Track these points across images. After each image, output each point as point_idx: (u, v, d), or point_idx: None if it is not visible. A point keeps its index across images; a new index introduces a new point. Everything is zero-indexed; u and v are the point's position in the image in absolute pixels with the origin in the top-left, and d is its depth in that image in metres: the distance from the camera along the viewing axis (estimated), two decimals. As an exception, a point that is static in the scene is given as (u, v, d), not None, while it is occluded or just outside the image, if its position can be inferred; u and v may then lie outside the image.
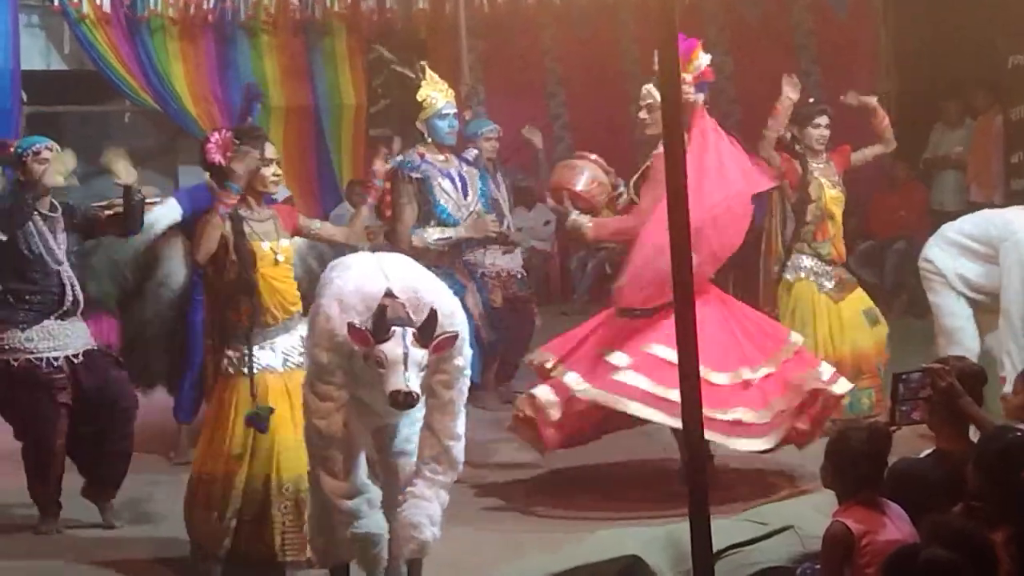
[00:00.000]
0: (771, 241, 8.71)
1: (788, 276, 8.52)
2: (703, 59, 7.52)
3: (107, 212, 7.30)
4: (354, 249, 6.53)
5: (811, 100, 8.74)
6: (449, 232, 8.29)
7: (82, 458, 7.09)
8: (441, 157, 8.51)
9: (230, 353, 6.17)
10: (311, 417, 5.39)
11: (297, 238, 6.47)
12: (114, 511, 7.12)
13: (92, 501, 7.14)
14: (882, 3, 14.33)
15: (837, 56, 14.17)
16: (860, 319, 8.49)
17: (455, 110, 8.52)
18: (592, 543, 5.34)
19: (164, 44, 13.49)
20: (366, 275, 5.50)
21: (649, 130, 7.39)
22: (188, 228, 6.36)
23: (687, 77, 7.36)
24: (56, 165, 6.90)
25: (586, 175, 7.48)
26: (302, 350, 6.08)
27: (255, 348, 6.11)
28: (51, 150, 6.94)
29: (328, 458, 5.38)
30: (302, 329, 6.08)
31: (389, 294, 5.31)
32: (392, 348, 5.18)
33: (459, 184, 8.51)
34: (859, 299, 8.59)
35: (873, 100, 8.85)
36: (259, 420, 6.03)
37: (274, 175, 6.33)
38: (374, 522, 5.51)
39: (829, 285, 8.47)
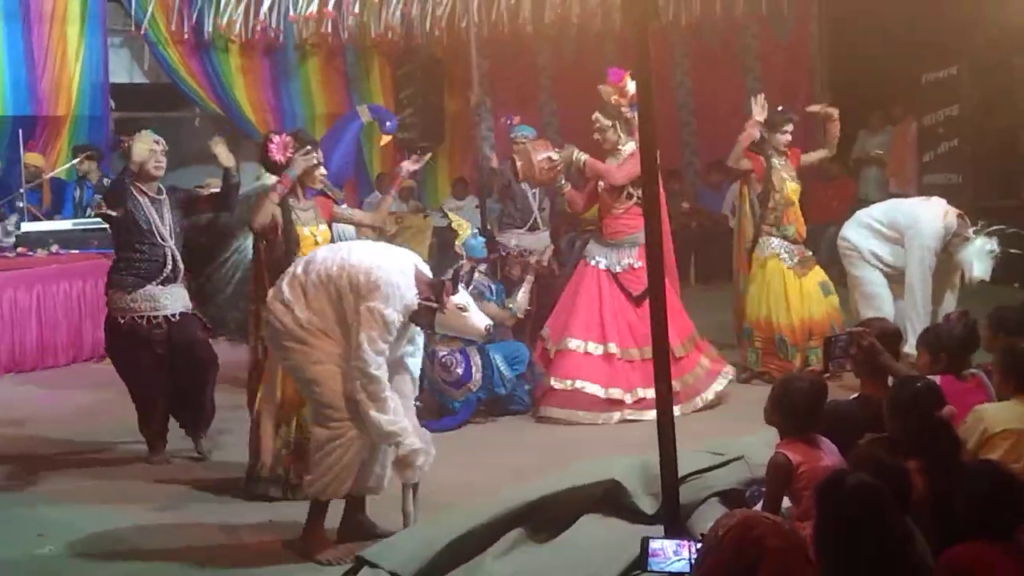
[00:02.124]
0: (743, 224, 8.69)
1: (760, 254, 8.47)
2: (631, 85, 7.57)
3: (205, 192, 7.31)
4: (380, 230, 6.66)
5: (779, 108, 8.70)
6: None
7: (175, 403, 7.10)
8: None
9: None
10: (368, 368, 5.13)
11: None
12: (209, 446, 7.14)
13: (189, 436, 7.17)
14: (818, 31, 14.29)
15: (780, 76, 14.16)
16: (817, 290, 8.46)
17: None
18: (578, 469, 5.33)
19: (227, 61, 13.50)
20: (386, 253, 5.45)
21: (604, 145, 7.88)
22: None
23: (623, 100, 7.58)
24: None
25: (543, 154, 7.85)
26: None
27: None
28: (158, 143, 6.91)
29: (383, 400, 5.21)
30: None
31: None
32: (464, 296, 5.43)
33: None
34: (817, 273, 8.54)
35: (835, 112, 8.80)
36: None
37: (321, 174, 6.36)
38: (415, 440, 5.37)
39: (793, 261, 8.43)
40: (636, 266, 7.72)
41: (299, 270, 5.35)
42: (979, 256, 8.01)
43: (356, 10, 13.43)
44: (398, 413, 5.27)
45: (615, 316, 7.77)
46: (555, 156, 7.85)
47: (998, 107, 12.48)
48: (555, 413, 7.64)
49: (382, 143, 8.14)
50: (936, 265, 8.27)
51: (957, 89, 12.70)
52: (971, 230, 8.06)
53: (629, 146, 7.74)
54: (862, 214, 8.56)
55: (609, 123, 7.79)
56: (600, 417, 7.61)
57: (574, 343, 7.74)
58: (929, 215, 8.21)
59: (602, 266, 7.87)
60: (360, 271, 5.19)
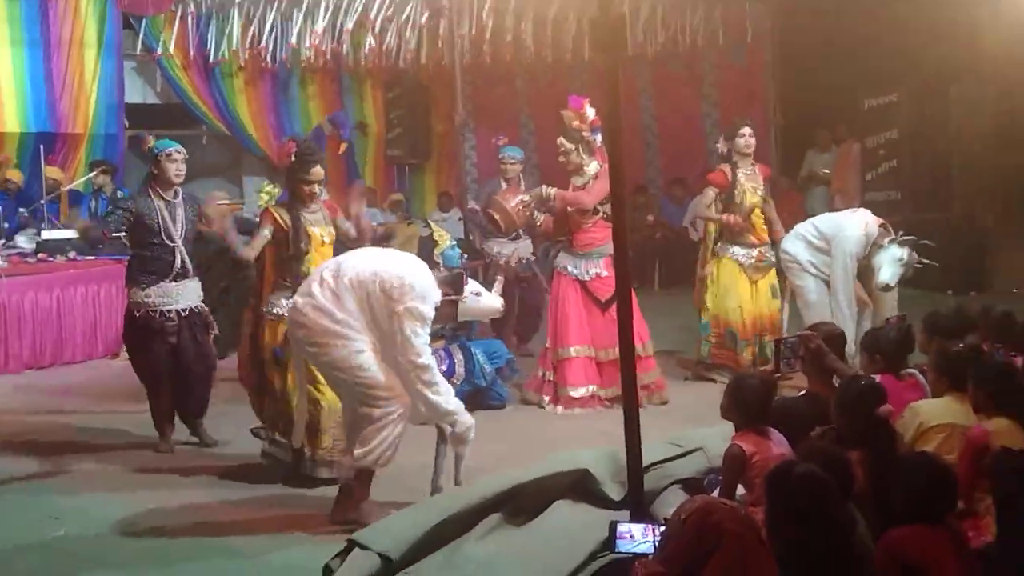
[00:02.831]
0: (708, 226, 8.66)
1: (719, 256, 8.46)
2: (590, 111, 7.74)
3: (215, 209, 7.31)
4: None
5: (736, 118, 8.70)
6: None
7: (178, 391, 7.09)
8: None
9: (283, 304, 6.17)
10: (419, 359, 5.36)
11: None
12: (208, 435, 7.13)
13: (187, 424, 7.17)
14: (770, 59, 14.35)
15: (735, 100, 14.20)
16: (767, 292, 8.46)
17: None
18: (551, 459, 5.32)
19: (232, 84, 13.46)
20: (409, 259, 5.68)
21: (568, 167, 7.86)
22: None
23: (584, 125, 7.61)
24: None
25: (515, 201, 7.92)
26: None
27: (285, 300, 6.14)
28: (180, 153, 6.93)
29: (436, 383, 5.45)
30: None
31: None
32: (474, 283, 5.92)
33: None
34: (771, 277, 8.52)
35: None
36: (280, 356, 6.21)
37: (310, 192, 6.38)
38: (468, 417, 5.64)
39: (749, 264, 8.40)
40: (603, 275, 7.77)
41: (328, 276, 5.44)
42: (889, 262, 7.98)
43: (351, 39, 13.43)
44: (450, 394, 5.54)
45: (587, 322, 7.83)
46: (526, 197, 7.95)
47: (933, 131, 12.54)
48: (578, 413, 7.71)
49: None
50: (865, 274, 8.30)
51: (896, 114, 12.76)
52: (888, 239, 8.06)
53: (592, 166, 7.79)
54: (799, 227, 8.56)
55: (572, 146, 7.80)
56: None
57: (575, 350, 7.79)
58: (852, 224, 8.21)
59: (572, 275, 7.88)
60: (393, 276, 5.38)
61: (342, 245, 6.44)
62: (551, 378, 7.88)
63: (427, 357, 5.41)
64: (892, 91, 12.76)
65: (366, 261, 5.52)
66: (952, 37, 11.06)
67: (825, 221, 8.52)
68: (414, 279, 5.42)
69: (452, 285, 5.67)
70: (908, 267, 7.99)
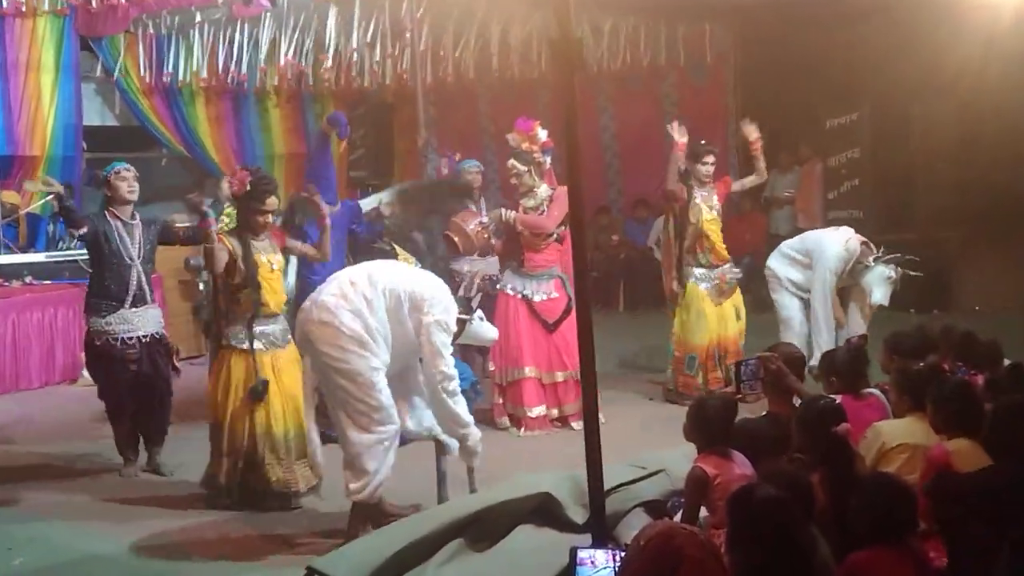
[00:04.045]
0: (669, 249, 8.61)
1: (683, 282, 8.41)
2: (541, 133, 7.84)
3: (181, 227, 7.28)
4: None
5: (702, 142, 8.64)
6: None
7: (139, 418, 7.07)
8: None
9: (234, 333, 6.20)
10: (448, 368, 5.54)
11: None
12: (165, 465, 7.08)
13: (146, 449, 7.12)
14: (732, 78, 14.42)
15: (697, 119, 14.16)
16: (731, 313, 8.46)
17: None
18: (512, 483, 5.31)
19: (192, 105, 13.36)
20: (433, 276, 5.90)
21: (520, 189, 7.90)
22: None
23: (534, 147, 7.65)
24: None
25: (473, 224, 7.97)
26: (286, 337, 6.32)
27: (255, 330, 6.18)
28: (129, 171, 6.94)
29: (455, 391, 5.62)
30: (283, 322, 6.38)
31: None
32: (479, 311, 6.20)
33: None
34: (735, 299, 8.53)
35: (752, 134, 8.73)
36: (257, 393, 6.12)
37: (264, 222, 6.35)
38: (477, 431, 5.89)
39: (710, 286, 8.38)
40: (553, 296, 7.80)
41: (361, 280, 5.56)
42: (878, 283, 8.09)
43: (313, 59, 13.40)
44: (466, 407, 5.74)
45: (535, 342, 7.83)
46: (485, 220, 7.98)
47: (895, 150, 12.62)
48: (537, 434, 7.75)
49: (341, 148, 8.10)
50: (848, 291, 8.36)
51: (858, 133, 12.85)
52: (872, 258, 8.12)
53: (543, 189, 7.82)
54: (784, 245, 8.70)
55: (525, 168, 7.81)
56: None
57: (529, 370, 7.82)
58: (832, 241, 8.30)
59: (519, 295, 7.87)
60: (424, 288, 5.60)
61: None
62: (500, 400, 7.91)
63: (453, 368, 5.59)
64: (854, 110, 12.85)
65: (397, 272, 5.75)
66: (912, 54, 11.13)
67: (808, 236, 8.66)
68: (441, 293, 5.66)
69: (464, 305, 5.93)
70: (897, 284, 8.08)
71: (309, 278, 7.28)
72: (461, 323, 5.81)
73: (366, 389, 5.42)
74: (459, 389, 5.66)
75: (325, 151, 7.93)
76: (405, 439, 5.84)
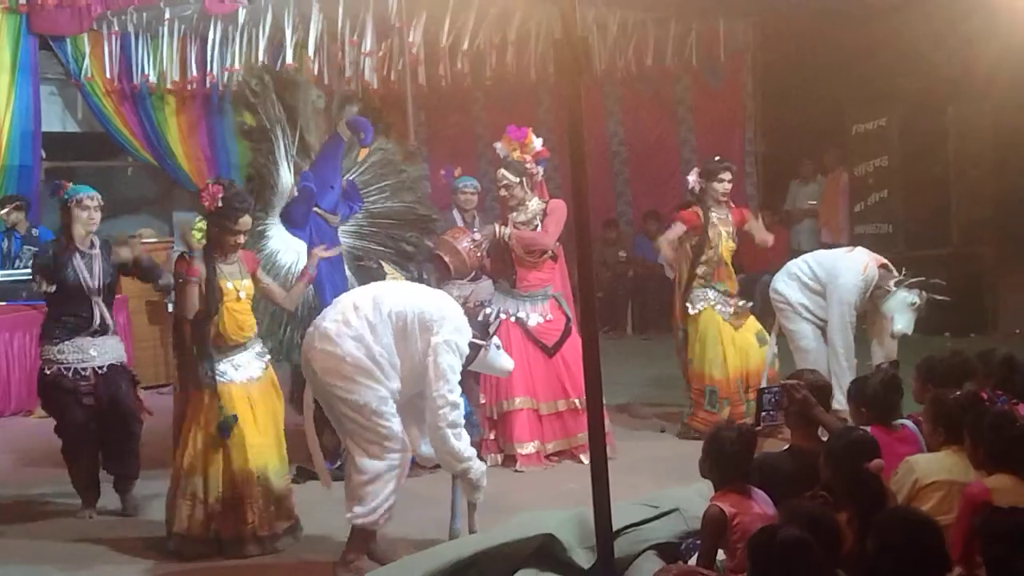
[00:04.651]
0: (680, 272, 8.53)
1: (695, 307, 8.35)
2: (536, 142, 7.88)
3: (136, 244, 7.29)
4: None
5: (716, 158, 8.64)
6: None
7: (105, 455, 7.04)
8: None
9: (200, 367, 6.12)
10: (453, 395, 5.62)
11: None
12: (132, 502, 7.05)
13: (117, 492, 7.09)
14: (750, 81, 14.43)
15: (713, 126, 14.26)
16: (754, 341, 8.42)
17: None
18: (513, 523, 5.31)
19: (162, 110, 13.37)
20: (445, 296, 6.00)
21: (510, 202, 7.88)
22: None
23: (527, 156, 7.67)
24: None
25: (466, 241, 7.92)
26: (260, 364, 6.29)
27: (219, 363, 6.12)
28: (92, 199, 6.92)
29: (460, 426, 5.72)
30: (257, 347, 6.33)
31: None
32: (496, 338, 6.20)
33: None
34: (752, 324, 8.50)
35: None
36: (226, 428, 6.06)
37: (235, 243, 6.25)
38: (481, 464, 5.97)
39: (728, 311, 8.37)
40: (549, 318, 7.80)
41: (365, 305, 5.63)
42: (900, 309, 7.94)
43: (294, 60, 13.38)
44: (467, 440, 5.77)
45: (530, 369, 7.78)
46: (477, 236, 7.95)
47: (927, 158, 12.61)
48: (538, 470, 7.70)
49: (360, 157, 8.08)
50: (869, 317, 8.31)
51: (887, 140, 12.82)
52: (892, 281, 8.03)
53: (534, 203, 7.82)
54: (791, 265, 8.53)
55: (516, 180, 7.78)
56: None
57: (520, 401, 7.75)
58: (848, 269, 8.17)
59: (511, 318, 7.82)
60: (433, 308, 5.68)
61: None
62: (491, 436, 7.84)
63: (458, 395, 5.67)
64: (882, 114, 12.85)
65: (404, 293, 5.84)
66: (948, 52, 11.10)
67: (821, 260, 8.46)
68: (453, 313, 5.74)
69: (480, 329, 5.97)
70: (921, 310, 8.00)
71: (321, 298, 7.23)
72: (475, 348, 5.87)
73: (374, 419, 5.53)
74: (461, 420, 5.70)
75: (335, 156, 7.73)
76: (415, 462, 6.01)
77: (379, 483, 5.56)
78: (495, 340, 6.12)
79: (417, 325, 5.62)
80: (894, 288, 7.97)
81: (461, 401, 5.70)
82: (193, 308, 6.09)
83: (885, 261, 8.21)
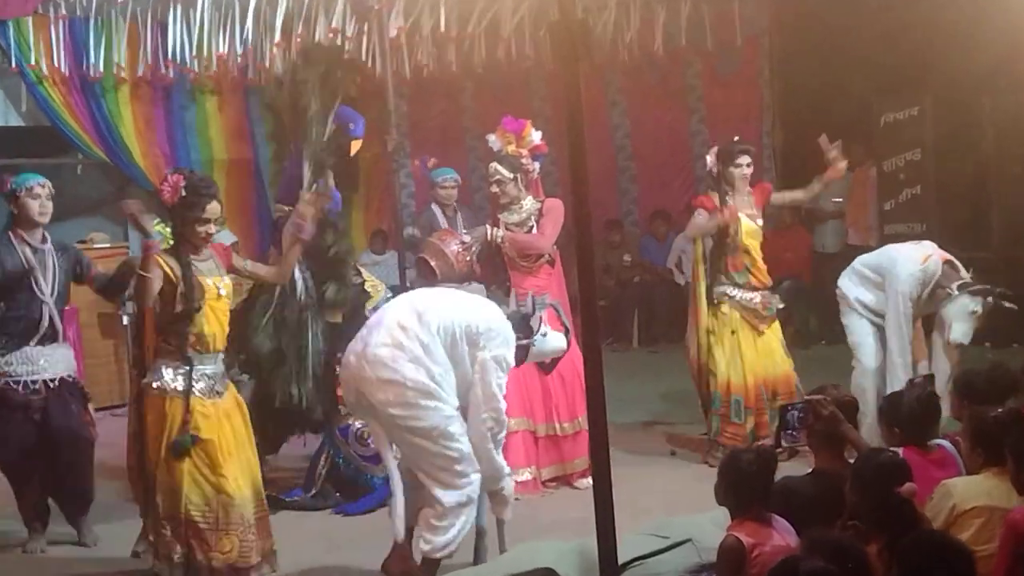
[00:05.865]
0: (697, 272, 8.60)
1: (715, 306, 8.44)
2: (535, 135, 7.97)
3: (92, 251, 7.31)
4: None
5: (735, 139, 8.73)
6: None
7: (52, 481, 7.02)
8: None
9: (168, 375, 6.09)
10: (502, 413, 5.93)
11: None
12: (91, 532, 7.05)
13: (69, 522, 7.07)
14: (768, 66, 14.45)
15: (727, 116, 14.24)
16: (779, 347, 8.50)
17: None
18: (510, 556, 5.34)
19: (116, 102, 13.36)
20: (487, 302, 6.30)
21: (502, 200, 7.98)
22: None
23: (523, 151, 7.69)
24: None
25: (454, 245, 7.99)
26: (224, 378, 6.33)
27: (194, 372, 6.10)
28: (44, 187, 6.94)
29: (501, 438, 6.02)
30: (220, 360, 6.32)
31: None
32: (539, 324, 6.49)
33: None
34: (776, 329, 8.58)
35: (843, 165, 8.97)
36: (184, 447, 6.00)
37: (205, 234, 6.24)
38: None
39: (752, 310, 8.45)
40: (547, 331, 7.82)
41: (411, 323, 5.79)
42: (959, 316, 7.91)
43: (260, 47, 13.39)
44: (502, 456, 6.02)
45: (525, 387, 7.80)
46: (467, 239, 8.00)
47: (964, 150, 12.61)
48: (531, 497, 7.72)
49: (352, 151, 8.08)
50: (932, 321, 8.32)
51: (919, 131, 12.82)
52: (956, 284, 8.01)
53: (528, 202, 7.85)
54: (857, 261, 8.61)
55: (511, 176, 7.85)
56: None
57: (515, 422, 7.68)
58: (908, 258, 8.19)
59: None
60: (480, 321, 5.88)
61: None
62: None
63: (504, 414, 5.96)
64: (914, 103, 12.86)
65: (446, 304, 5.96)
66: (984, 36, 11.10)
67: (884, 250, 8.65)
68: (500, 324, 5.98)
69: (523, 328, 6.21)
70: (983, 320, 8.00)
71: None
72: (523, 348, 6.17)
73: (443, 442, 5.72)
74: (504, 436, 6.05)
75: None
76: None
77: (456, 514, 5.76)
78: (542, 330, 6.39)
79: (465, 339, 5.84)
80: (956, 291, 7.96)
81: (506, 419, 5.99)
82: (152, 294, 6.01)
83: (951, 258, 8.18)
